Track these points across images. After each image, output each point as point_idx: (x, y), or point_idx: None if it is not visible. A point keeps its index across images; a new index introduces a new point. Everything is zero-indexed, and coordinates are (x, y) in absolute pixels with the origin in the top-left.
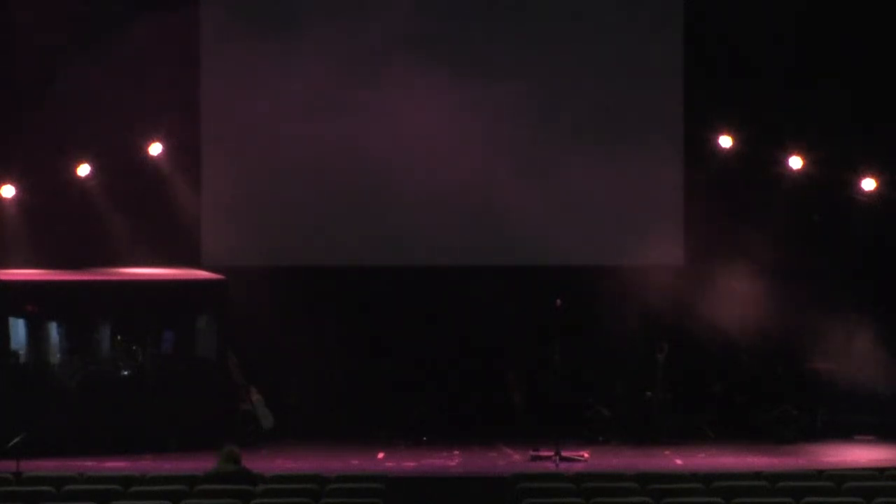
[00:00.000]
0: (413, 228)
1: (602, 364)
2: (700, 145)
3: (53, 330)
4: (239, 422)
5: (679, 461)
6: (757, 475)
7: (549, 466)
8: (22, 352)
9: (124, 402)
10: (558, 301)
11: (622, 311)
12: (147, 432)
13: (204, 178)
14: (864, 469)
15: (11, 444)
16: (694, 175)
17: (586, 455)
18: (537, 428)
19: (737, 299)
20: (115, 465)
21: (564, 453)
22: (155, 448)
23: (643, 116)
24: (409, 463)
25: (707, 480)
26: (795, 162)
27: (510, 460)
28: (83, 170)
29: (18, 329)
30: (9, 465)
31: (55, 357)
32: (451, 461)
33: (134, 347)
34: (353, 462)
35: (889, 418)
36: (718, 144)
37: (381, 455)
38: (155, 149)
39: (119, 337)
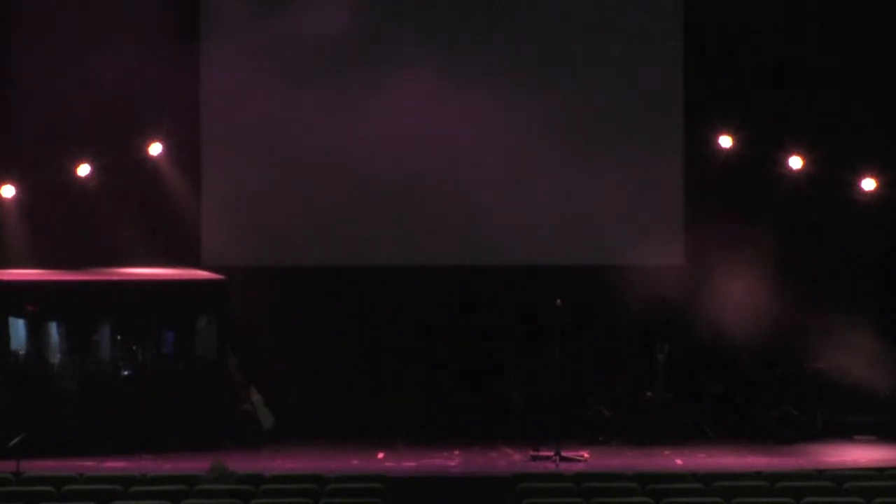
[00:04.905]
0: (413, 228)
1: (602, 364)
2: (700, 145)
3: (53, 330)
4: (239, 422)
5: (679, 461)
6: (757, 475)
7: (549, 466)
8: (22, 352)
9: (124, 402)
10: (558, 301)
11: (622, 311)
12: (147, 432)
13: (204, 178)
14: (864, 469)
15: (11, 444)
16: (694, 175)
17: (586, 455)
18: (537, 428)
19: (737, 299)
20: (115, 465)
21: (564, 453)
22: (155, 448)
23: (643, 116)
24: (409, 463)
25: (707, 480)
26: (795, 162)
27: (510, 460)
28: (83, 170)
29: (18, 329)
30: (9, 465)
31: (55, 357)
32: (451, 461)
33: (134, 347)
34: (353, 462)
35: (889, 418)
36: (718, 144)
37: (381, 455)
38: (155, 149)
39: (119, 337)
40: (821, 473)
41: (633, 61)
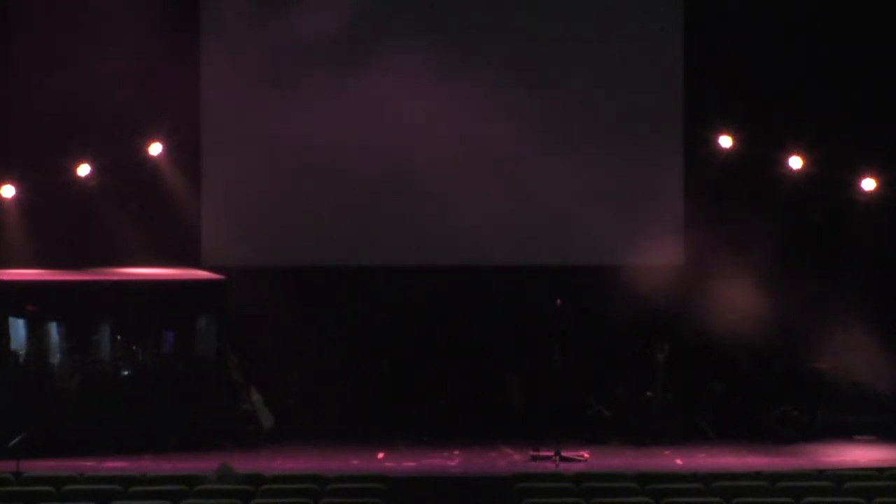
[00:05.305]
0: (414, 228)
1: (602, 364)
2: (700, 145)
3: (53, 330)
4: (239, 422)
5: (679, 461)
6: (757, 475)
7: (549, 466)
8: (22, 352)
9: (124, 402)
10: (558, 301)
11: (622, 311)
12: (147, 432)
13: (204, 178)
14: (864, 469)
15: (11, 444)
16: (694, 175)
17: (586, 455)
18: (537, 428)
19: (736, 299)
20: (115, 465)
21: (564, 453)
22: (155, 448)
23: (643, 116)
24: (409, 463)
25: (707, 480)
26: (795, 162)
27: (510, 460)
28: (83, 170)
29: (18, 329)
30: (9, 465)
31: (55, 357)
32: (451, 461)
33: (134, 347)
34: (353, 462)
35: (889, 418)
36: (718, 144)
37: (381, 455)
38: (155, 149)
39: (119, 337)
40: (821, 473)
41: (633, 61)
